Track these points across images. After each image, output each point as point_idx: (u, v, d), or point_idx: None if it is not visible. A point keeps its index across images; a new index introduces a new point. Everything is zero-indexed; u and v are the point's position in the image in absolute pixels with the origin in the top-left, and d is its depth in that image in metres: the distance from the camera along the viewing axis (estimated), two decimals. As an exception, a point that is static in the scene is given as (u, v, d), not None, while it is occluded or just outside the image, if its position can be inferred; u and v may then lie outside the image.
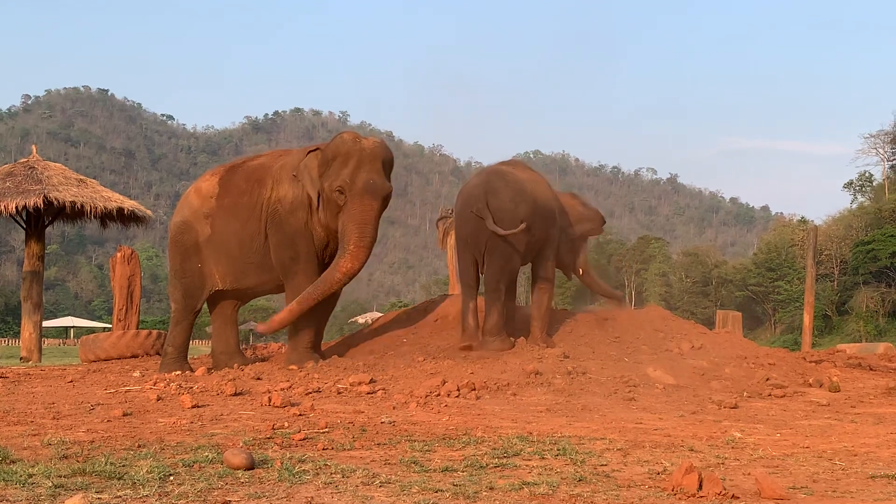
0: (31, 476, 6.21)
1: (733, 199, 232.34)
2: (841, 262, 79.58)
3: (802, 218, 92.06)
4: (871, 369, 16.34)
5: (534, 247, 16.11)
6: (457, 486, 6.32)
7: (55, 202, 22.95)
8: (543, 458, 7.61)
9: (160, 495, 5.82)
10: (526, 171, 16.67)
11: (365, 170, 14.10)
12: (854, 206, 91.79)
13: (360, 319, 56.59)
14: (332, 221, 14.28)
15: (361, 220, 13.98)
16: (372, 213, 14.14)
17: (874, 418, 10.98)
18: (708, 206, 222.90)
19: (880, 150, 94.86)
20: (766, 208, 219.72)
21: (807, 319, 24.16)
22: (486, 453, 7.73)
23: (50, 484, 5.96)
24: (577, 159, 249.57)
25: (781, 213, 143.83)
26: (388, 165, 14.62)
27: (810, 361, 16.71)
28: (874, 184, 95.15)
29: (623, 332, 16.64)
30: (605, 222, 18.44)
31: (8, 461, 6.76)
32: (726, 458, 7.69)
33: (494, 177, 15.87)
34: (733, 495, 5.96)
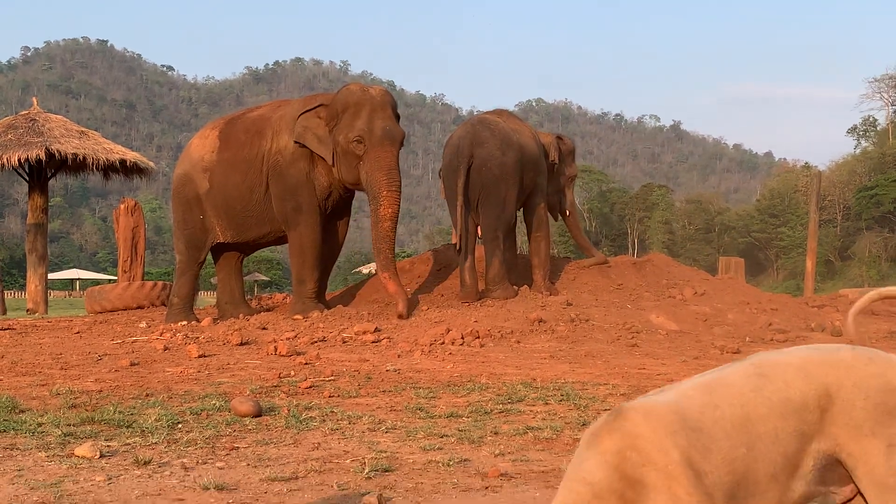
0: (40, 425, 6.29)
1: (737, 146, 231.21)
2: (844, 207, 79.43)
3: (806, 164, 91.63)
4: (874, 314, 16.38)
5: (524, 194, 16.16)
6: (462, 431, 6.39)
7: (57, 154, 22.89)
8: (547, 403, 7.68)
9: (169, 442, 5.89)
10: (511, 119, 16.62)
11: (379, 117, 14.13)
12: (857, 151, 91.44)
13: (364, 270, 56.72)
14: (350, 174, 14.27)
15: (387, 165, 14.01)
16: (394, 159, 14.20)
17: (876, 362, 11.04)
18: (711, 153, 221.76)
19: (884, 95, 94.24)
20: (769, 154, 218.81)
21: (809, 265, 24.22)
22: (490, 399, 7.80)
23: (59, 432, 6.03)
24: (579, 107, 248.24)
25: (785, 159, 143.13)
26: (396, 111, 14.69)
27: (813, 306, 16.77)
28: (878, 128, 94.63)
29: (626, 280, 16.70)
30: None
31: (17, 411, 6.83)
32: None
33: (480, 126, 15.85)
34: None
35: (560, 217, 18.11)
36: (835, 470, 2.52)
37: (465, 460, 5.50)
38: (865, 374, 2.50)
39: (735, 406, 2.39)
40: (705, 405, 2.36)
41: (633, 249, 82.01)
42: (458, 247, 15.25)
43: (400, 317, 13.70)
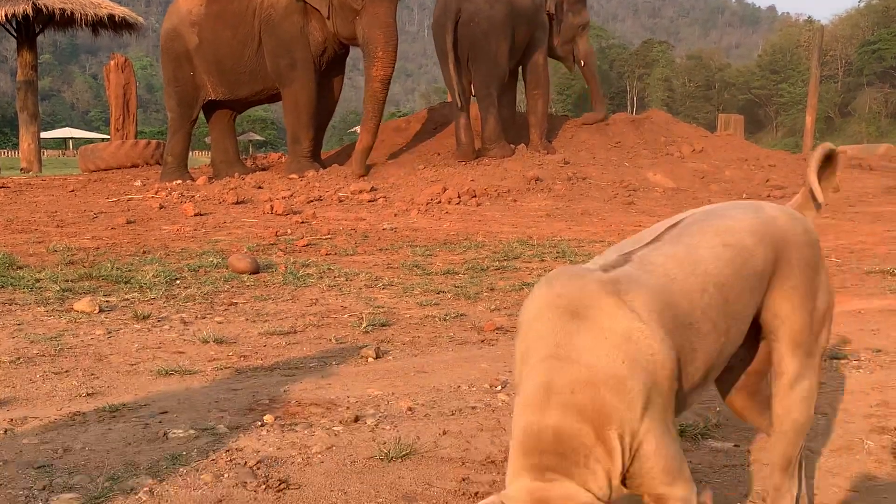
0: (38, 281, 6.32)
1: (739, 0, 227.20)
2: (846, 62, 78.43)
3: (809, 18, 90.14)
4: (872, 169, 16.37)
5: (519, 49, 15.89)
6: (458, 287, 6.43)
7: (44, 9, 22.46)
8: (543, 260, 7.71)
9: (167, 298, 5.93)
10: None
11: None
12: (862, 4, 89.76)
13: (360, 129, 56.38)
14: (346, 28, 13.98)
15: (384, 22, 13.74)
16: (392, 15, 13.90)
17: (872, 216, 11.08)
18: (713, 7, 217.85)
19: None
20: (772, 8, 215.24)
21: (809, 121, 24.02)
22: (486, 257, 7.84)
23: (57, 288, 6.06)
24: None
25: (788, 13, 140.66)
26: None
27: (810, 163, 16.74)
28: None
29: (624, 138, 16.60)
30: None
31: (15, 267, 6.85)
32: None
33: None
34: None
35: (577, 68, 17.74)
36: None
37: (461, 315, 5.55)
38: (800, 241, 2.42)
39: (718, 288, 2.19)
40: (692, 290, 2.13)
41: (633, 107, 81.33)
42: (458, 103, 15.11)
43: (354, 174, 13.75)
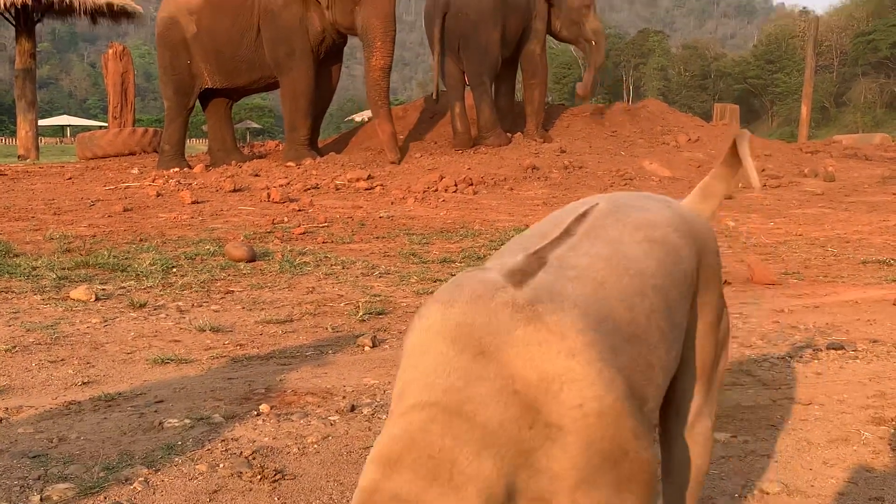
0: (34, 269, 6.30)
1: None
2: (841, 53, 78.40)
3: (804, 9, 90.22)
4: (867, 159, 16.37)
5: (513, 38, 15.87)
6: (454, 276, 6.42)
7: (43, -3, 22.46)
8: (540, 248, 7.70)
9: (164, 286, 5.92)
10: None
11: None
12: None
13: (357, 118, 56.20)
14: (345, 18, 13.99)
15: (383, 13, 13.75)
16: (392, 5, 13.93)
17: (868, 206, 11.08)
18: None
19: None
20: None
21: (804, 111, 24.03)
22: (483, 245, 7.83)
23: (54, 276, 6.05)
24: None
25: (783, 3, 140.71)
26: None
27: (806, 152, 16.73)
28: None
29: (620, 127, 16.59)
30: None
31: (11, 255, 6.84)
32: (720, 247, 7.80)
33: None
34: (726, 281, 6.06)
35: (588, 48, 17.35)
36: None
37: (458, 303, 5.54)
38: (713, 246, 2.03)
39: (657, 291, 1.74)
40: (632, 294, 1.68)
41: (629, 96, 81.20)
42: (434, 96, 15.23)
43: (392, 163, 13.71)
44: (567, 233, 1.77)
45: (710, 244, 2.01)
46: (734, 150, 2.28)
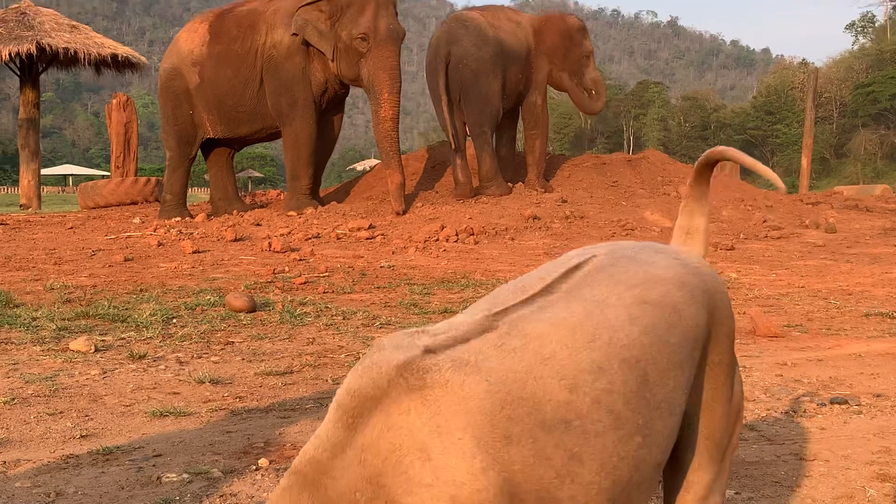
0: (35, 319, 6.28)
1: (734, 42, 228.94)
2: (840, 104, 78.80)
3: (803, 60, 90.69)
4: (868, 211, 16.39)
5: (514, 89, 15.99)
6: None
7: (48, 48, 22.55)
8: (541, 299, 7.68)
9: (164, 337, 5.90)
10: (496, 15, 16.23)
11: (383, 15, 14.01)
12: (855, 47, 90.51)
13: (359, 167, 56.42)
14: (350, 70, 14.15)
15: (390, 65, 13.97)
16: (397, 58, 14.18)
17: (869, 258, 11.08)
18: (708, 50, 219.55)
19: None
20: (766, 51, 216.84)
21: (805, 162, 24.14)
22: (483, 295, 7.80)
23: (54, 327, 6.03)
24: (576, 2, 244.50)
25: (782, 55, 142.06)
26: (396, 8, 14.54)
27: (807, 203, 16.77)
28: (876, 25, 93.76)
29: (621, 177, 16.64)
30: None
31: (12, 305, 6.82)
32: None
33: (455, 25, 15.74)
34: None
35: (587, 96, 17.29)
36: None
37: (459, 355, 5.51)
38: (725, 300, 1.83)
39: (629, 365, 1.54)
40: (579, 371, 1.49)
41: (629, 147, 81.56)
42: (452, 145, 15.23)
43: (396, 213, 13.76)
44: (547, 290, 1.63)
45: (722, 299, 1.84)
46: (699, 178, 2.08)
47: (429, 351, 1.44)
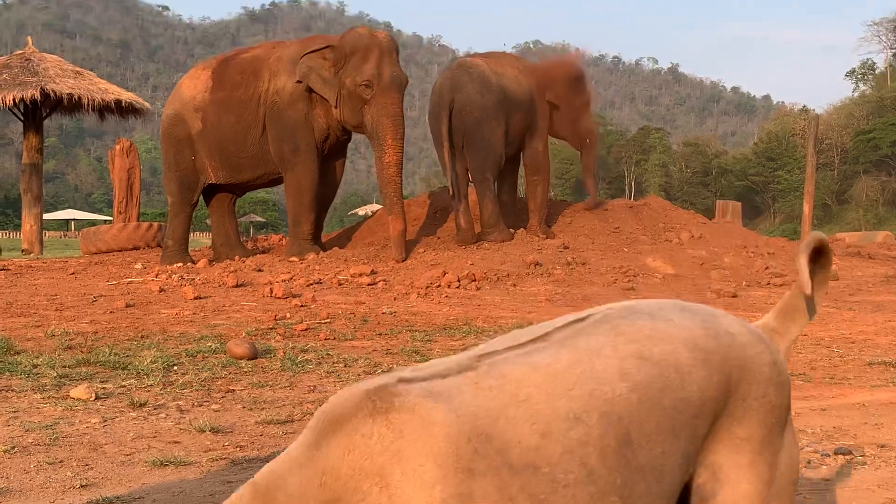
0: (35, 367, 6.27)
1: (735, 89, 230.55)
2: (841, 151, 79.21)
3: (804, 107, 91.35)
4: (871, 258, 16.39)
5: (516, 135, 16.07)
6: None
7: (52, 94, 22.70)
8: (543, 346, 7.66)
9: (164, 384, 5.88)
10: (499, 62, 16.37)
11: (387, 63, 14.12)
12: (856, 94, 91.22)
13: (360, 211, 56.59)
14: (354, 117, 14.24)
15: (394, 112, 14.04)
16: (400, 105, 14.28)
17: (872, 306, 11.06)
18: (709, 96, 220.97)
19: (883, 38, 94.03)
20: (767, 98, 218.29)
21: (806, 209, 24.10)
22: (485, 342, 7.79)
23: (54, 374, 6.01)
24: (577, 49, 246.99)
25: (783, 102, 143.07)
26: (398, 55, 14.67)
27: (809, 251, 16.76)
28: (876, 72, 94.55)
29: (622, 223, 16.67)
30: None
31: (12, 352, 6.81)
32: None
33: (459, 72, 15.83)
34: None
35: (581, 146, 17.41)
36: None
37: (460, 404, 5.49)
38: (765, 374, 1.74)
39: (608, 420, 1.48)
40: (553, 418, 1.45)
41: (630, 192, 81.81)
42: (451, 192, 15.27)
43: (396, 260, 13.76)
44: (542, 338, 1.62)
45: (756, 372, 1.74)
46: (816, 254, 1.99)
47: (403, 381, 1.44)
